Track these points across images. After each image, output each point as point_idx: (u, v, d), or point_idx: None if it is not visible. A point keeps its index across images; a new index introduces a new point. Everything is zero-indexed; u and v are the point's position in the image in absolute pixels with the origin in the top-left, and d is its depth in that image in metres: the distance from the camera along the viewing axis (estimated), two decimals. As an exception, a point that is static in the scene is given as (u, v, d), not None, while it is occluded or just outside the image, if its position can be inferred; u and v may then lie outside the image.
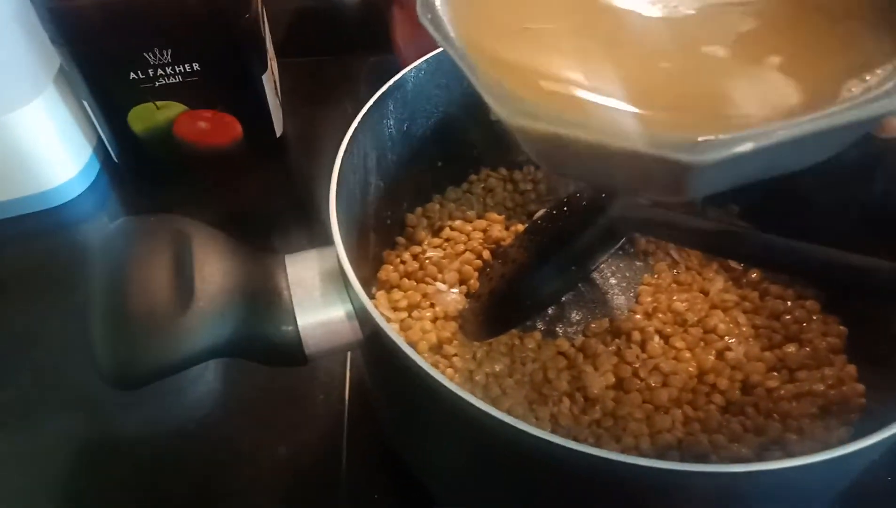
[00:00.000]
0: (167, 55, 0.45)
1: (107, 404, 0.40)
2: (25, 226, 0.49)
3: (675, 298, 0.36)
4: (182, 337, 0.22)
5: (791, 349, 0.34)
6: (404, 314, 0.34)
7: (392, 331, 0.23)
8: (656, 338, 0.34)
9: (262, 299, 0.25)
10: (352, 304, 0.26)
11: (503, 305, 0.32)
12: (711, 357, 0.34)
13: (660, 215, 0.28)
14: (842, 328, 0.35)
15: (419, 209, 0.40)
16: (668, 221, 0.28)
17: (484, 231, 0.38)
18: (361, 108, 0.30)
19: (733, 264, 0.37)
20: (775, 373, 0.34)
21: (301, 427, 0.39)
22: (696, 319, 0.35)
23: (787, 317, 0.36)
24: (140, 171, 0.52)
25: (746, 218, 0.38)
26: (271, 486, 0.37)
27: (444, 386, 0.21)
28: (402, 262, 0.37)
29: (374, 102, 0.31)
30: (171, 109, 0.48)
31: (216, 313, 0.23)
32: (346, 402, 0.40)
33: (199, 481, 0.37)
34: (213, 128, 0.50)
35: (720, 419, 0.32)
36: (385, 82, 0.32)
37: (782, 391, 0.33)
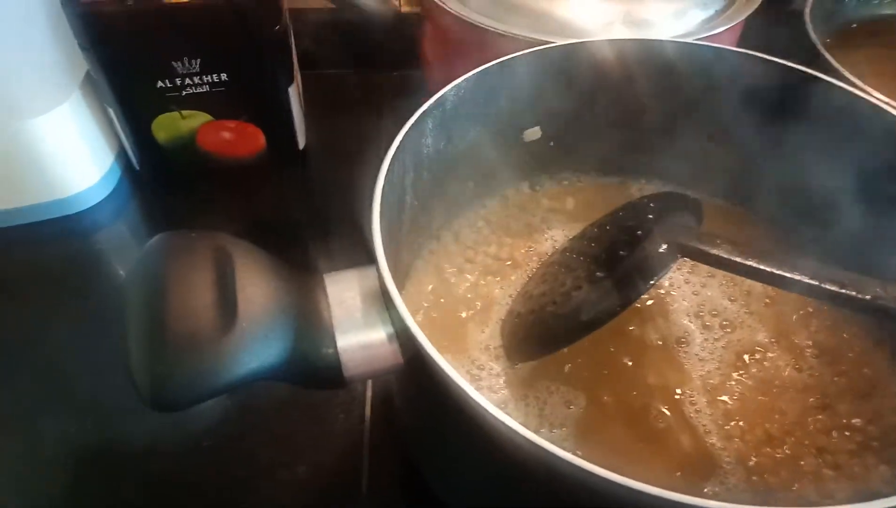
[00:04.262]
0: (196, 65, 0.45)
1: (116, 414, 0.39)
2: (43, 231, 0.49)
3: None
4: (226, 360, 0.21)
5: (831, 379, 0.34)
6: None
7: (437, 354, 0.22)
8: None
9: (303, 320, 0.24)
10: (393, 326, 0.25)
11: (546, 326, 0.31)
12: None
13: (714, 248, 0.28)
14: (884, 358, 0.34)
15: (450, 229, 0.39)
16: (723, 258, 0.27)
17: (520, 251, 0.37)
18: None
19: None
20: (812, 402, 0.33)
21: (320, 446, 0.38)
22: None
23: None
24: (161, 179, 0.52)
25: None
26: (288, 507, 0.36)
27: (496, 417, 0.20)
28: (435, 284, 0.36)
29: (416, 120, 0.30)
30: (196, 119, 0.48)
31: (260, 335, 0.22)
32: (368, 422, 0.39)
33: (213, 498, 0.36)
34: (237, 138, 0.50)
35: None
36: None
37: (819, 424, 0.32)
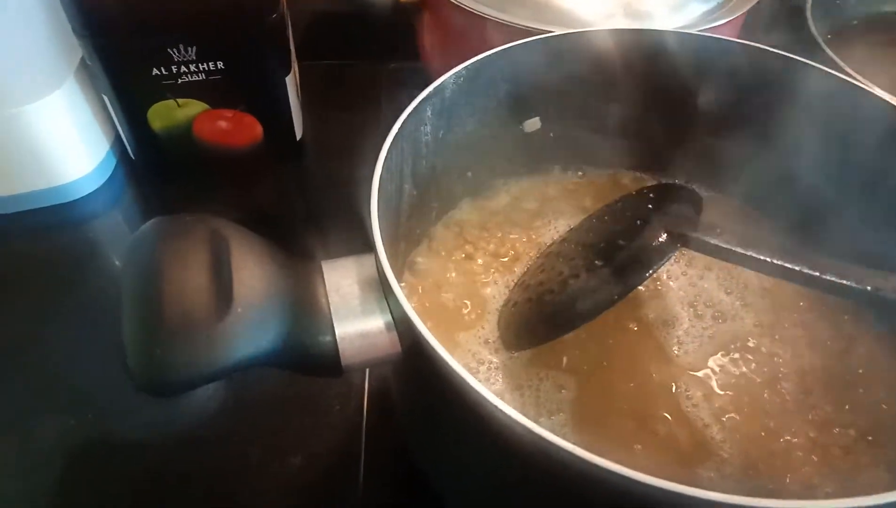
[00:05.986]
0: (192, 52, 0.44)
1: (110, 407, 0.39)
2: (36, 220, 0.48)
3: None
4: (221, 344, 0.21)
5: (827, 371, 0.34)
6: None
7: (436, 342, 0.22)
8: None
9: (300, 306, 0.24)
10: (391, 314, 0.25)
11: (542, 314, 0.31)
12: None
13: (714, 238, 0.28)
14: (882, 350, 0.34)
15: (448, 219, 0.39)
16: (723, 248, 0.27)
17: (520, 243, 0.37)
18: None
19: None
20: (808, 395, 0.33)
21: (316, 438, 0.38)
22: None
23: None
24: (157, 169, 0.52)
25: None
26: (283, 499, 0.36)
27: (493, 405, 0.20)
28: (434, 276, 0.36)
29: (415, 107, 0.30)
30: (192, 108, 0.48)
31: (256, 319, 0.22)
32: (365, 413, 0.39)
33: (207, 491, 0.36)
34: (234, 128, 0.49)
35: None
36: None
37: (816, 417, 0.32)
